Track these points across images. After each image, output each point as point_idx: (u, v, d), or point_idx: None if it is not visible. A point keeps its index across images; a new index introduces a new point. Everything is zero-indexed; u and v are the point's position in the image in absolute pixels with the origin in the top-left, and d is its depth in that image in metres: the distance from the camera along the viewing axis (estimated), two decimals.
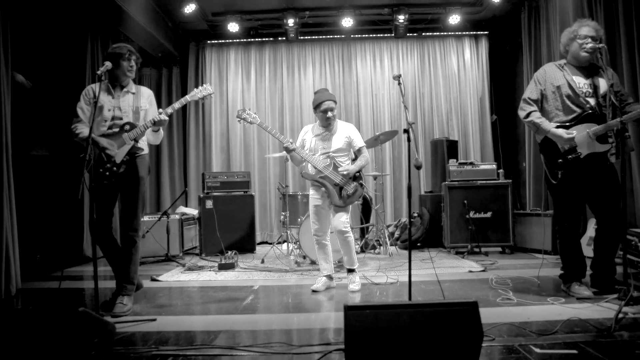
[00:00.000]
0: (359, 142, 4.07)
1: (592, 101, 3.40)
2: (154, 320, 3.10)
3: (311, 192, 4.07)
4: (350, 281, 3.97)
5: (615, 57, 4.78)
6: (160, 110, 3.43)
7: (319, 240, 4.05)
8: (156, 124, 3.39)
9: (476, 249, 5.64)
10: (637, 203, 4.60)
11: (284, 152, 5.39)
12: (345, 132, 4.03)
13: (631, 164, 4.62)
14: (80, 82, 5.98)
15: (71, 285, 4.50)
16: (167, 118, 3.40)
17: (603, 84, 3.41)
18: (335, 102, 3.98)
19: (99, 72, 3.15)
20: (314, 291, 3.91)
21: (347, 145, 4.04)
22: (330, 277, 4.09)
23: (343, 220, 3.92)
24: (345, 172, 3.91)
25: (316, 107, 3.98)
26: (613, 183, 3.38)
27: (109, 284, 4.27)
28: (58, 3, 5.44)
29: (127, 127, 3.40)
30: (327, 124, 3.99)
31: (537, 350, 2.33)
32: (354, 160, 4.18)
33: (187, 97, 3.59)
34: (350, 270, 4.03)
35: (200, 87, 3.66)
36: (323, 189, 3.94)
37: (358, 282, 3.96)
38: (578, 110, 3.40)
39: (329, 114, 3.91)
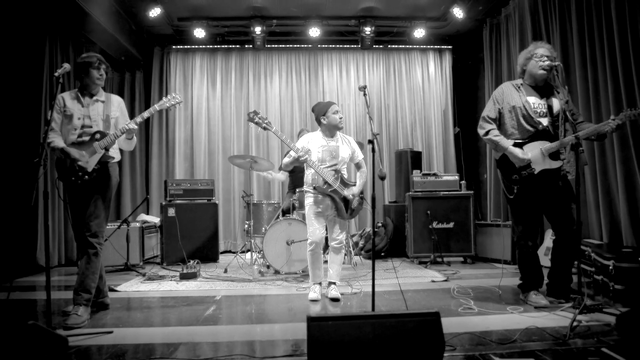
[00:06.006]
0: (360, 155, 4.19)
1: (545, 121, 3.55)
2: (111, 332, 2.98)
3: (310, 203, 3.95)
4: (331, 289, 3.96)
5: (569, 74, 4.99)
6: (129, 120, 3.47)
7: (315, 251, 3.96)
8: (126, 132, 3.41)
9: (439, 259, 5.73)
10: (590, 215, 4.79)
11: (249, 158, 5.35)
12: (348, 144, 4.10)
13: (585, 177, 4.82)
14: (37, 85, 5.76)
15: (22, 296, 4.26)
16: (136, 127, 3.43)
17: (556, 104, 3.57)
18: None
19: (56, 74, 3.10)
20: (313, 300, 3.86)
21: (349, 157, 4.09)
22: (321, 284, 4.08)
23: (344, 235, 4.04)
24: (351, 196, 3.97)
25: (325, 112, 3.95)
26: (567, 197, 3.55)
27: (63, 294, 4.10)
28: (14, 2, 5.25)
29: (98, 135, 3.41)
30: (340, 127, 4.00)
31: (497, 358, 2.38)
32: None
33: (156, 107, 3.59)
34: (332, 283, 4.02)
35: (169, 96, 3.66)
36: (328, 200, 3.92)
37: (338, 292, 3.96)
38: (532, 129, 3.56)
39: (340, 114, 3.97)
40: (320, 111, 4.01)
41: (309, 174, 3.98)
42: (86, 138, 3.40)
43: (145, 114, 3.52)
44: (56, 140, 3.37)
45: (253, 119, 3.85)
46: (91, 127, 3.45)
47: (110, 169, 3.51)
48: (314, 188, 3.90)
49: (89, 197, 3.41)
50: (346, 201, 3.95)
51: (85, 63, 3.47)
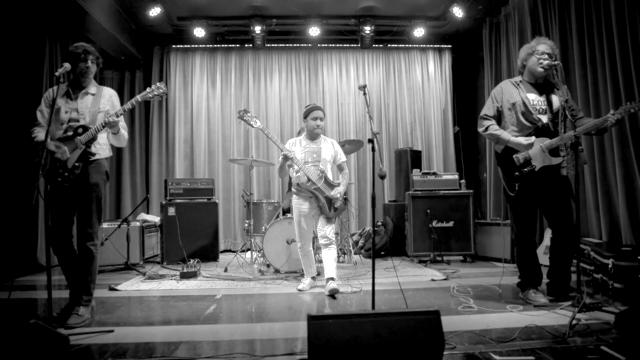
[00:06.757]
0: (343, 157, 4.34)
1: (544, 118, 3.55)
2: (112, 331, 2.98)
3: (296, 202, 4.18)
4: (330, 284, 3.99)
5: (569, 73, 5.00)
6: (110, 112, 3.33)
7: (304, 248, 4.26)
8: (106, 126, 3.24)
9: (438, 258, 5.74)
10: (590, 214, 4.80)
11: (250, 157, 5.37)
12: (330, 146, 4.26)
13: (584, 176, 4.82)
14: (37, 84, 5.76)
15: (22, 295, 4.28)
16: (117, 119, 3.25)
17: (556, 101, 3.57)
18: (323, 113, 4.24)
19: (57, 74, 3.03)
20: (299, 290, 4.18)
21: (332, 158, 4.25)
22: (314, 278, 4.32)
23: (331, 230, 4.14)
24: (338, 195, 4.14)
25: (306, 115, 4.19)
26: (566, 194, 3.54)
27: (64, 293, 4.09)
28: (14, 2, 5.25)
29: (80, 130, 3.25)
30: (316, 133, 4.18)
31: (497, 357, 2.38)
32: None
33: (138, 97, 3.38)
34: (331, 279, 4.06)
35: (153, 86, 3.45)
36: (312, 199, 4.11)
37: (337, 285, 4.01)
38: (531, 126, 3.56)
39: (318, 121, 4.14)
40: (304, 114, 4.23)
41: (294, 174, 4.16)
42: (70, 133, 3.25)
43: (127, 106, 3.30)
44: (39, 134, 3.23)
45: (243, 116, 4.16)
46: (78, 120, 3.29)
47: (93, 167, 3.32)
48: (298, 185, 4.10)
49: (75, 200, 3.28)
50: (329, 200, 4.12)
51: (71, 54, 3.29)
